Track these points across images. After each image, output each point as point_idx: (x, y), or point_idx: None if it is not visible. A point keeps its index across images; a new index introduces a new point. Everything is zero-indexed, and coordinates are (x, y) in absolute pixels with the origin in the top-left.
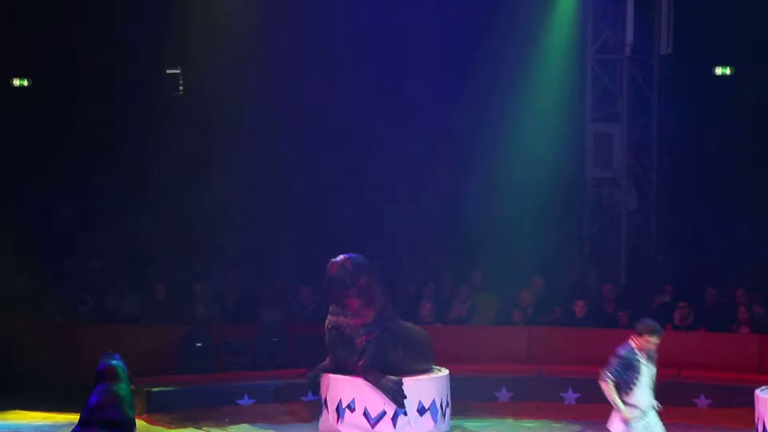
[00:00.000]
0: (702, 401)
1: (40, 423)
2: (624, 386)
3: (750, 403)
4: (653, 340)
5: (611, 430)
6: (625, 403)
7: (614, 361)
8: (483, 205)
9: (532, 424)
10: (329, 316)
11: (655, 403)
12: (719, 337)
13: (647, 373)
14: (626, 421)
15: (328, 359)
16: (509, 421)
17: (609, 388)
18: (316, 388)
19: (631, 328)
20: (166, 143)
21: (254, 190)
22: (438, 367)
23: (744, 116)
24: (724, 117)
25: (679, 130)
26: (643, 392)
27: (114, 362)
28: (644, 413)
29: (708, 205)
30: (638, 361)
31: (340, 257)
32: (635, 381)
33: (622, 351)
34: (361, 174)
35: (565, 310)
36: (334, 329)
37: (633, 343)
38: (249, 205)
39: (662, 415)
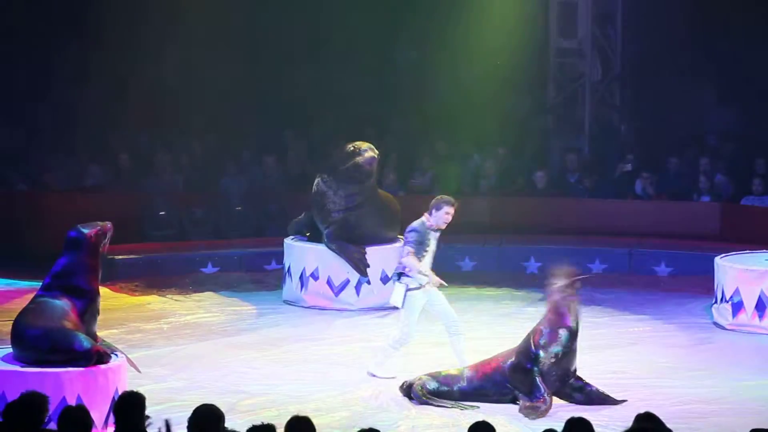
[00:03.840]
0: (662, 269)
1: (3, 289)
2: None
3: (710, 271)
4: (452, 211)
5: (391, 302)
6: (407, 275)
7: (410, 236)
8: (447, 75)
9: (494, 293)
10: (320, 182)
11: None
12: (680, 205)
13: (432, 249)
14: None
15: (304, 214)
16: (472, 289)
17: (413, 259)
18: (281, 255)
19: (594, 195)
20: (129, 10)
21: (217, 60)
22: (402, 237)
23: None
24: None
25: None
26: (426, 265)
27: (86, 230)
28: (424, 285)
29: (672, 75)
30: (429, 237)
31: (374, 153)
32: (422, 255)
33: (416, 225)
34: (323, 44)
35: (527, 180)
36: (319, 196)
37: (426, 218)
38: (212, 74)
39: (617, 283)
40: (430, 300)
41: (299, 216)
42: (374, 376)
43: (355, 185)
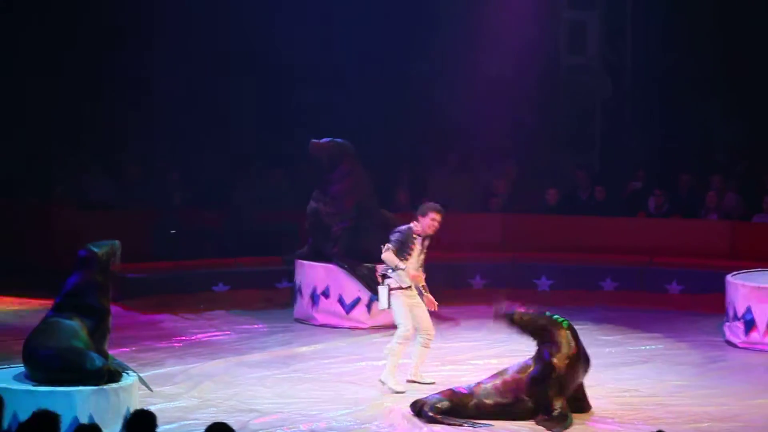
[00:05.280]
0: (674, 287)
1: (15, 308)
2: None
3: (721, 289)
4: (438, 218)
5: (380, 308)
6: (389, 276)
7: (393, 236)
8: (459, 91)
9: None
10: (311, 202)
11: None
12: (692, 223)
13: (416, 255)
14: (408, 279)
15: (306, 246)
16: (483, 307)
17: (391, 254)
18: (292, 273)
19: (605, 213)
20: (133, 27)
21: (226, 73)
22: None
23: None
24: (698, 2)
25: (653, 16)
26: (411, 269)
27: (96, 249)
28: (406, 288)
29: (683, 92)
30: (413, 241)
31: (324, 140)
32: (404, 258)
33: (401, 228)
34: (332, 57)
35: (539, 197)
36: (313, 215)
37: (414, 225)
38: (224, 87)
39: (629, 300)
40: (412, 304)
41: (301, 249)
42: (385, 384)
43: (343, 193)
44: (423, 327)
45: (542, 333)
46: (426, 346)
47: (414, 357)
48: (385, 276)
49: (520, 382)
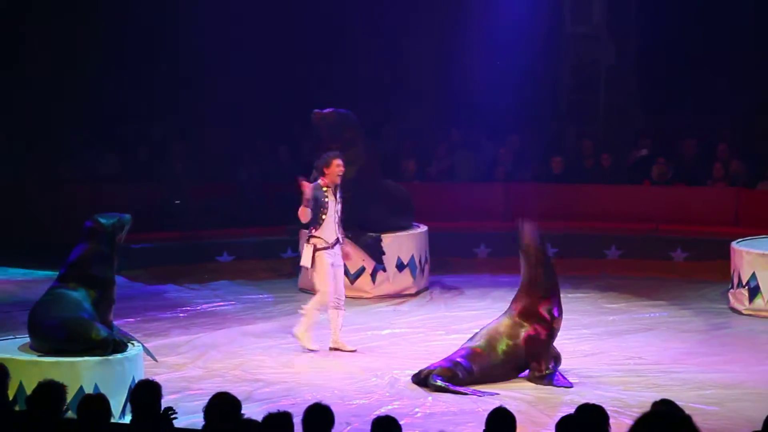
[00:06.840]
0: (678, 254)
1: (19, 278)
2: (313, 221)
3: (726, 256)
4: (341, 163)
5: (301, 264)
6: (313, 236)
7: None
8: (462, 62)
9: (510, 280)
10: (314, 172)
11: (341, 237)
12: (697, 191)
13: (333, 207)
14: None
15: None
16: (487, 276)
17: (301, 209)
18: (297, 243)
19: (610, 181)
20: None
21: (232, 48)
22: (417, 224)
23: None
24: None
25: None
26: (330, 227)
27: (103, 221)
28: (331, 245)
29: (687, 60)
30: (326, 197)
31: (327, 110)
32: (322, 213)
33: (314, 184)
34: (339, 33)
35: (543, 166)
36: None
37: (321, 180)
38: (226, 62)
39: (633, 268)
40: (334, 263)
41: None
42: (296, 337)
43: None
44: (336, 288)
45: (550, 287)
46: (338, 308)
47: (331, 323)
48: (311, 236)
49: (519, 341)
